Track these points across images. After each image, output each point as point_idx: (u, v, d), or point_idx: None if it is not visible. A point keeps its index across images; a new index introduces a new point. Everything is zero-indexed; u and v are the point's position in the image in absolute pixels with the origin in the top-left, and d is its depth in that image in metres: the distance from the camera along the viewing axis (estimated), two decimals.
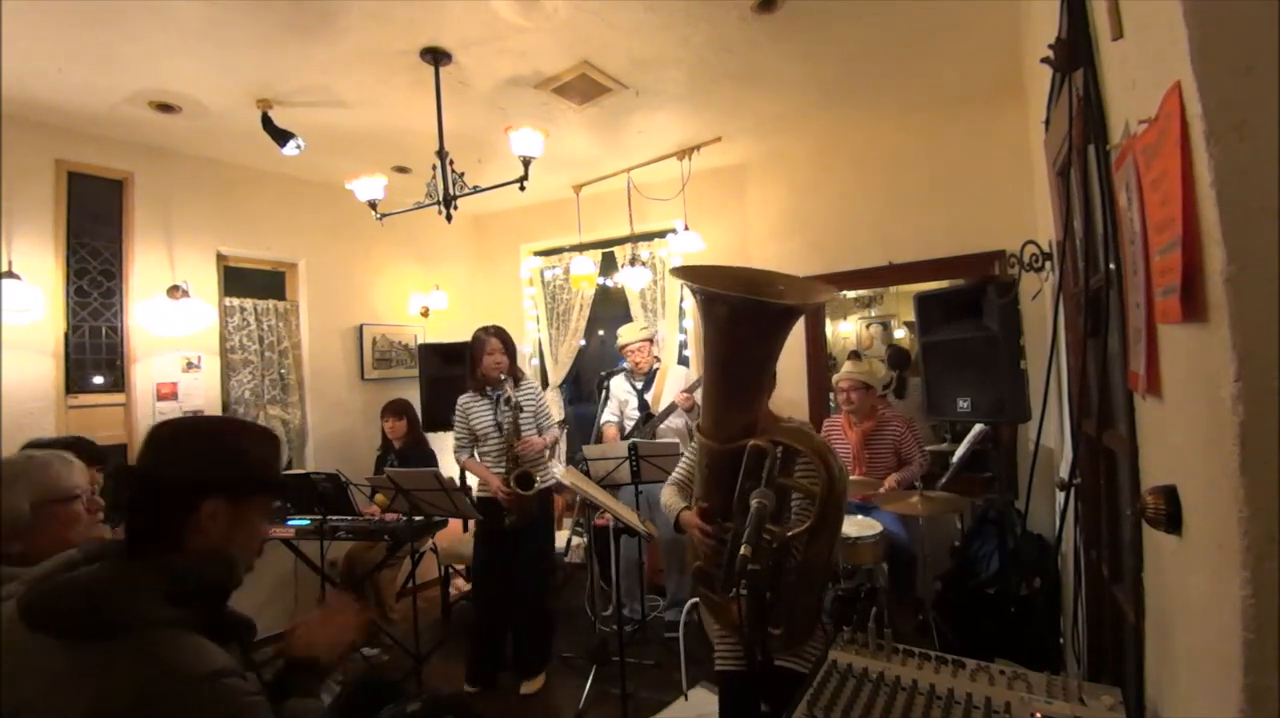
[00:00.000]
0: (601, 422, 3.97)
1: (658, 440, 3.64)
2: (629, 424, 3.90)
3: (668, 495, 1.90)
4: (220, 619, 1.08)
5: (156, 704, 0.89)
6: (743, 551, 1.23)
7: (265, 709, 0.98)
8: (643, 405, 3.90)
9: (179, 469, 1.06)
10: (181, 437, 1.11)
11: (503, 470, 3.17)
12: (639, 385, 3.95)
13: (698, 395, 3.54)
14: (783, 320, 1.49)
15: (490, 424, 3.24)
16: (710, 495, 1.62)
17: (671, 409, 3.77)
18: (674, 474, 1.97)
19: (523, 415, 3.23)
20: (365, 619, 1.17)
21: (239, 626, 1.14)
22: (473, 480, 3.57)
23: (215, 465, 1.08)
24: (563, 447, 4.95)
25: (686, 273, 1.47)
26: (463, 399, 3.33)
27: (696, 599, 3.06)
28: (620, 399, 3.96)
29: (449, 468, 4.44)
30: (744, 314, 1.42)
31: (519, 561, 3.23)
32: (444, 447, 4.37)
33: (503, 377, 3.21)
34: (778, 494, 1.48)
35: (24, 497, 1.35)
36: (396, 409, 4.15)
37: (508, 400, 3.20)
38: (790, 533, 1.46)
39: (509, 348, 3.29)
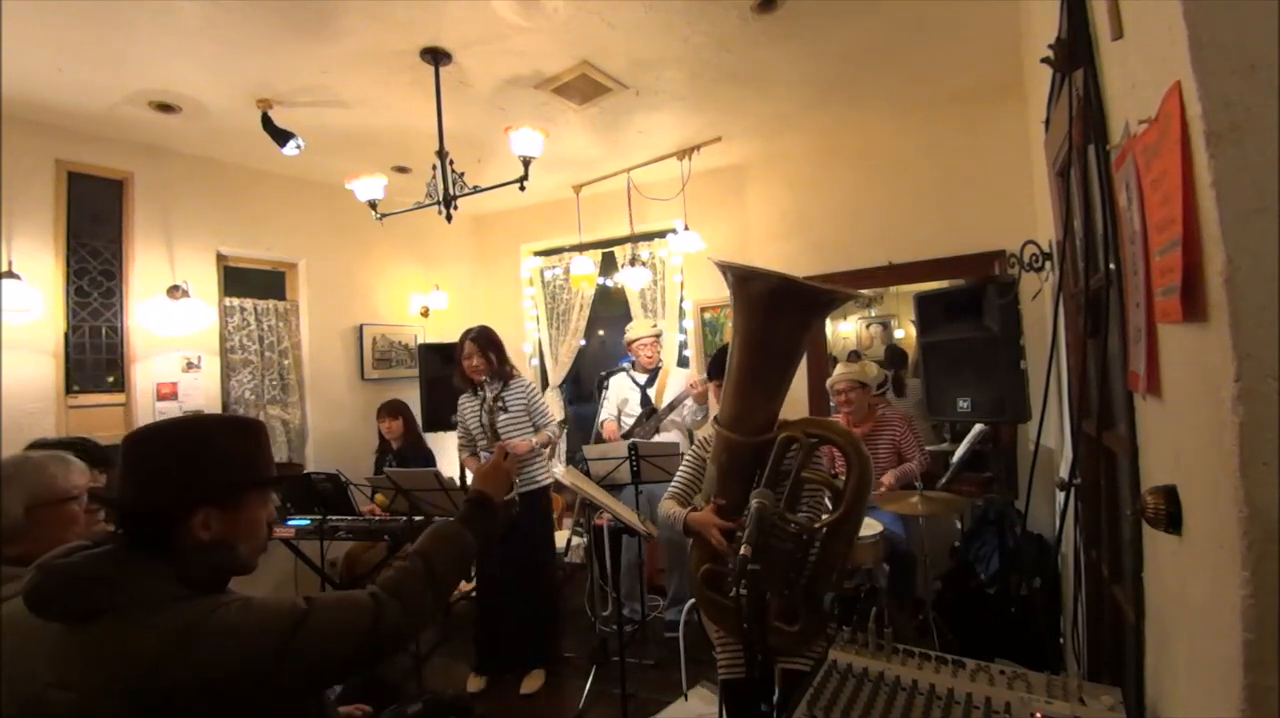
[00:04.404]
0: (600, 420, 3.96)
1: (657, 439, 3.64)
2: (628, 421, 3.88)
3: (666, 508, 1.89)
4: None
5: (182, 653, 0.91)
6: (743, 550, 1.22)
7: (260, 605, 1.01)
8: (645, 401, 3.88)
9: (158, 494, 1.02)
10: (156, 454, 1.06)
11: None
12: (642, 382, 3.93)
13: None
14: (816, 309, 1.54)
15: (479, 425, 3.25)
16: (728, 492, 1.63)
17: (675, 404, 3.76)
18: (672, 488, 1.94)
19: (506, 416, 3.22)
20: (514, 468, 1.49)
21: None
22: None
23: (197, 478, 1.04)
24: (563, 447, 4.95)
25: (726, 263, 1.50)
26: (460, 399, 3.41)
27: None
28: (621, 397, 3.95)
29: (448, 468, 4.44)
30: (781, 296, 1.44)
31: (518, 558, 3.23)
32: (444, 447, 4.38)
33: (484, 378, 3.22)
34: (798, 488, 1.51)
35: (19, 500, 1.34)
36: (391, 409, 4.14)
37: (493, 400, 3.21)
38: (817, 524, 1.50)
39: (487, 348, 3.26)
